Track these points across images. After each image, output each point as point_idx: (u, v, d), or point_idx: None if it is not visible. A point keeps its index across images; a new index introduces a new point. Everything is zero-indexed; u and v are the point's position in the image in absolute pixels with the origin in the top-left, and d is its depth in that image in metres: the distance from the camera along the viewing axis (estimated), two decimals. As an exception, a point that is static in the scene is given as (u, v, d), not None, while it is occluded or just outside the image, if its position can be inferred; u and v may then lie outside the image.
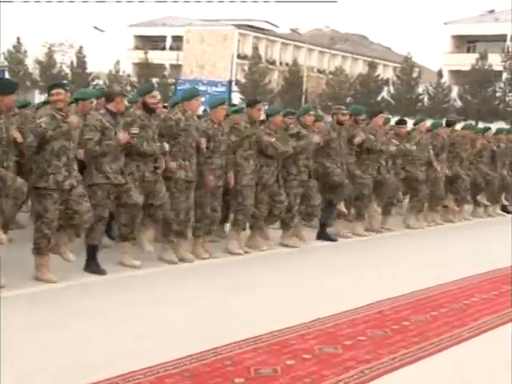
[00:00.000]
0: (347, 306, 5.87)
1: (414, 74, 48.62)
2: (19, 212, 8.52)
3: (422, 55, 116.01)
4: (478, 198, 12.79)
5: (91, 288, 6.15)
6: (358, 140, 9.44)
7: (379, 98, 48.83)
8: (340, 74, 51.87)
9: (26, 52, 54.67)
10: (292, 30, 64.14)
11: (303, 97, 49.39)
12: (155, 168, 7.01)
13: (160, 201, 7.02)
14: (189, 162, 7.26)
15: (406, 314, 5.80)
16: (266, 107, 38.69)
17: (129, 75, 55.37)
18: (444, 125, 11.93)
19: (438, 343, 5.06)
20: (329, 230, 9.47)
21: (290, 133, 8.56)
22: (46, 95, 7.26)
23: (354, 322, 5.50)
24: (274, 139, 8.13)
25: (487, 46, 48.99)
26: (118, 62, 55.12)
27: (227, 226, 8.77)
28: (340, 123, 9.25)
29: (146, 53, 54.55)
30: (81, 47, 55.75)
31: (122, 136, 6.60)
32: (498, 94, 45.39)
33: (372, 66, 52.05)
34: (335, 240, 9.31)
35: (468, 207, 12.85)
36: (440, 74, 49.04)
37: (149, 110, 7.01)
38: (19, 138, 6.06)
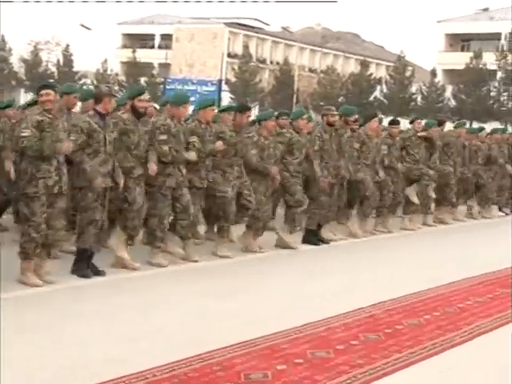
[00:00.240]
0: (339, 310, 5.89)
1: (407, 73, 48.79)
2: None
3: (415, 54, 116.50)
4: (469, 202, 12.88)
5: (81, 291, 6.15)
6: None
7: (372, 98, 48.98)
8: (332, 73, 51.99)
9: (10, 50, 54.54)
10: (283, 28, 64.20)
11: (294, 96, 49.47)
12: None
13: (132, 205, 6.90)
14: (178, 169, 7.26)
15: (399, 318, 5.82)
16: (257, 107, 38.77)
17: (117, 74, 55.32)
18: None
19: (431, 347, 5.08)
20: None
21: (279, 140, 8.56)
22: (33, 95, 7.26)
23: (346, 325, 5.51)
24: (255, 151, 8.14)
25: (481, 45, 49.19)
26: (105, 61, 55.09)
27: (202, 228, 8.76)
28: (330, 124, 9.26)
29: (134, 51, 54.53)
30: (67, 45, 55.72)
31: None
32: (492, 94, 45.63)
33: (364, 65, 52.19)
34: (320, 244, 9.28)
35: (462, 208, 12.92)
36: (433, 73, 49.24)
37: (137, 113, 6.97)
38: None
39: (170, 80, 50.56)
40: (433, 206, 12.03)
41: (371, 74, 52.03)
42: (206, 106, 7.66)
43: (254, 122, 8.86)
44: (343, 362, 4.66)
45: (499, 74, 45.89)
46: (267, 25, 70.27)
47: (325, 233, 9.53)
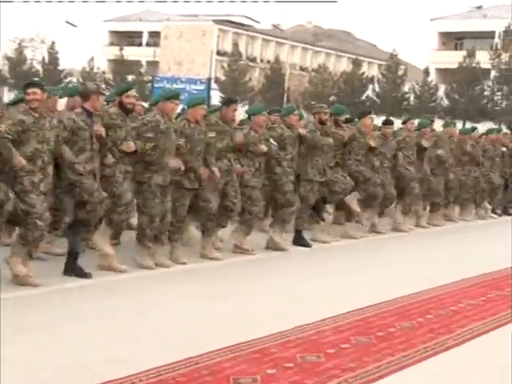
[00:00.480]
0: (330, 313, 5.89)
1: (400, 72, 48.93)
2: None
3: (408, 52, 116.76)
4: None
5: (72, 293, 6.14)
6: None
7: (364, 97, 49.09)
8: (323, 72, 52.07)
9: (-6, 48, 54.34)
10: (274, 25, 64.25)
11: (285, 95, 49.50)
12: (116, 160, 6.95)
13: (120, 199, 6.89)
14: (166, 166, 7.24)
15: (391, 321, 5.83)
16: (247, 107, 38.71)
17: (103, 72, 55.22)
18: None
19: (423, 351, 5.09)
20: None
21: (271, 134, 8.59)
22: (17, 93, 7.22)
23: (337, 329, 5.51)
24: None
25: (475, 43, 49.38)
26: (92, 59, 54.94)
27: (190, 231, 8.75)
28: (322, 123, 9.28)
29: (121, 49, 54.42)
30: (53, 43, 55.52)
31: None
32: (486, 93, 45.82)
33: (356, 64, 52.30)
34: (310, 246, 9.29)
35: (456, 209, 12.97)
36: (426, 72, 49.39)
37: (125, 110, 6.98)
38: None
39: (158, 78, 50.48)
40: (427, 208, 12.07)
41: (363, 73, 52.15)
42: (195, 105, 7.65)
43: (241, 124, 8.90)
44: (334, 366, 4.66)
45: (493, 73, 46.07)
46: (257, 22, 70.34)
47: (319, 234, 9.55)
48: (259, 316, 5.81)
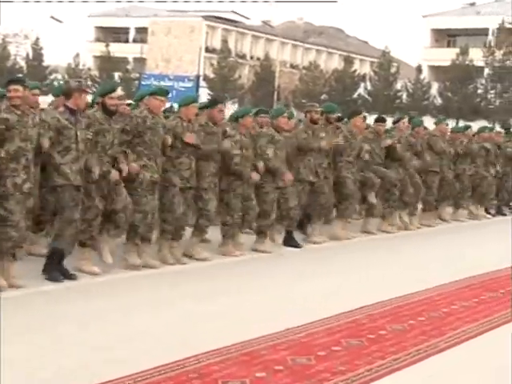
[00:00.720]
0: (321, 315, 5.90)
1: (392, 70, 49.07)
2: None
3: (400, 50, 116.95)
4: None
5: (51, 296, 6.13)
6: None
7: (355, 95, 49.19)
8: (314, 70, 52.13)
9: (-24, 43, 54.09)
10: (263, 22, 64.30)
11: (275, 93, 49.54)
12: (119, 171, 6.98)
13: (121, 204, 6.98)
14: (154, 162, 7.25)
15: (382, 323, 5.85)
16: (236, 105, 38.75)
17: (89, 69, 55.06)
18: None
19: (415, 353, 5.11)
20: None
21: (261, 143, 8.58)
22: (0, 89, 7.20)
23: (328, 331, 5.53)
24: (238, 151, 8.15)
25: (468, 41, 49.57)
26: (77, 55, 54.81)
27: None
28: (314, 122, 9.29)
29: (107, 45, 54.29)
30: (37, 38, 55.34)
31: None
32: (479, 91, 46.00)
33: (348, 61, 52.41)
34: (300, 246, 9.30)
35: (448, 210, 13.01)
36: (419, 70, 49.55)
37: (108, 112, 6.95)
38: None
39: (145, 75, 50.40)
40: (419, 208, 12.12)
41: (355, 71, 52.26)
42: (188, 103, 7.67)
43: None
44: (325, 368, 4.68)
45: (486, 71, 46.25)
46: (247, 18, 70.36)
47: (311, 234, 9.57)
48: (249, 318, 5.82)
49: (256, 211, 8.43)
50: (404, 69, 55.35)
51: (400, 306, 6.47)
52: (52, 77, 52.24)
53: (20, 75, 42.10)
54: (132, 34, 67.01)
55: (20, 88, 6.12)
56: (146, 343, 5.01)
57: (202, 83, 49.34)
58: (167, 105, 8.28)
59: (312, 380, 4.47)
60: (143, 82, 46.20)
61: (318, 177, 9.28)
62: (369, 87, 49.42)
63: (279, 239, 9.13)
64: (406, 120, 11.62)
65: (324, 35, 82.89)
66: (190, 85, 45.90)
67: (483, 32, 50.87)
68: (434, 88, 47.64)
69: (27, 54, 55.42)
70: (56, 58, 55.16)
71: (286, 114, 9.05)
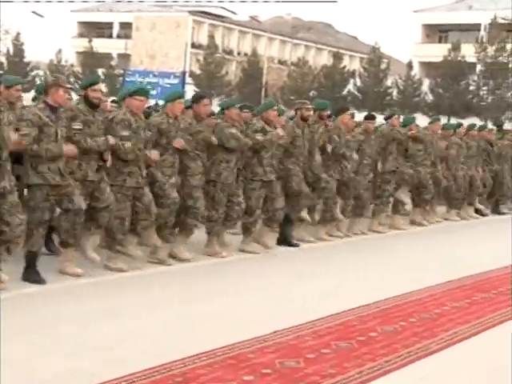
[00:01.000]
0: (310, 317, 5.91)
1: (383, 66, 49.14)
2: None
3: (390, 45, 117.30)
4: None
5: (33, 299, 6.11)
6: (329, 148, 9.53)
7: (345, 92, 49.24)
8: (303, 66, 52.15)
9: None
10: (251, 17, 64.24)
11: (263, 90, 49.54)
12: (99, 167, 6.96)
13: (104, 203, 6.96)
14: (138, 168, 7.24)
15: (373, 325, 5.87)
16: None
17: (72, 65, 54.90)
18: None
19: (406, 355, 5.13)
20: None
21: (253, 128, 8.60)
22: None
23: (317, 333, 5.54)
24: (234, 130, 8.17)
25: (460, 36, 49.69)
26: (59, 51, 54.62)
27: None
28: (304, 119, 9.30)
29: (90, 41, 54.15)
30: (18, 34, 55.07)
31: (70, 149, 6.54)
32: (471, 88, 46.12)
33: (337, 57, 52.45)
34: (297, 245, 9.36)
35: (439, 209, 13.06)
36: (410, 66, 49.65)
37: (91, 104, 6.93)
38: None
39: (129, 72, 50.26)
40: (410, 207, 12.17)
41: (344, 67, 52.30)
42: (174, 99, 7.65)
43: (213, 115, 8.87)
44: (314, 371, 4.68)
45: (478, 67, 46.39)
46: (234, 13, 70.29)
47: (304, 234, 9.62)
48: (235, 321, 5.82)
49: (242, 207, 8.44)
50: (394, 65, 55.47)
51: (391, 307, 6.49)
52: (34, 73, 52.04)
53: (0, 72, 41.94)
54: (116, 30, 66.80)
55: None
56: (130, 348, 5.00)
57: (188, 80, 49.25)
58: (152, 102, 8.26)
59: (301, 383, 4.48)
60: (127, 79, 46.09)
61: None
62: (358, 84, 49.47)
63: (268, 240, 9.12)
64: (397, 116, 11.67)
65: (313, 31, 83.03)
66: (175, 81, 45.81)
67: (475, 27, 51.03)
68: (425, 85, 47.76)
69: (7, 50, 55.14)
70: (38, 53, 54.98)
71: (275, 107, 9.06)
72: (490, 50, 45.66)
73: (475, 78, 46.15)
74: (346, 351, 5.15)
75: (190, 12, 62.25)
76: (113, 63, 54.51)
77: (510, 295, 7.11)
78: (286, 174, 9.05)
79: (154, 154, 7.33)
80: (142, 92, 7.39)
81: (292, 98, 42.78)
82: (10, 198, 6.07)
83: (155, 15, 62.35)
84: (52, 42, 61.46)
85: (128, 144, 7.09)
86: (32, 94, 8.50)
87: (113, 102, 8.83)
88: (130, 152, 7.10)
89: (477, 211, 13.89)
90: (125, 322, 5.62)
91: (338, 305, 6.35)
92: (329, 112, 10.09)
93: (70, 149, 6.56)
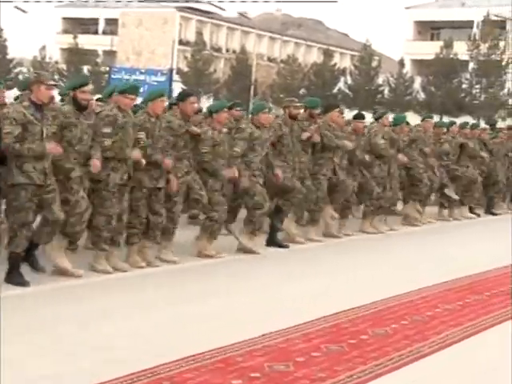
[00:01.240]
0: (300, 319, 5.91)
1: (374, 64, 49.23)
2: None
3: (382, 43, 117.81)
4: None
5: (16, 302, 6.08)
6: (305, 135, 9.45)
7: (335, 90, 49.29)
8: (292, 63, 52.20)
9: None
10: (240, 13, 64.35)
11: (252, 87, 49.52)
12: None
13: (74, 209, 6.82)
14: (124, 163, 7.22)
15: (364, 327, 5.87)
16: (211, 100, 38.66)
17: (56, 62, 54.73)
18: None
19: (397, 359, 5.14)
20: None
21: (242, 136, 8.59)
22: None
23: (307, 336, 5.53)
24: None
25: (452, 33, 49.84)
26: (43, 47, 54.44)
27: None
28: (293, 117, 9.30)
29: (75, 37, 54.01)
30: (0, 30, 54.83)
31: (53, 147, 6.50)
32: (463, 86, 46.26)
33: (328, 55, 52.50)
34: (286, 246, 9.36)
35: (431, 209, 13.09)
36: (401, 64, 49.76)
37: (79, 106, 6.88)
38: None
39: (115, 69, 50.15)
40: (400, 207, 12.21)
41: (335, 64, 52.36)
42: (155, 98, 7.62)
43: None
44: (303, 375, 4.68)
45: (471, 65, 46.54)
46: (223, 10, 70.30)
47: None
48: (224, 323, 5.81)
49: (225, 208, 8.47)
50: (386, 63, 55.61)
51: (382, 310, 6.49)
52: (17, 70, 51.84)
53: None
54: (101, 26, 66.67)
55: None
56: (115, 352, 4.98)
57: (176, 77, 49.20)
58: (139, 100, 8.23)
59: (290, 387, 4.48)
60: (113, 76, 46.00)
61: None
62: (349, 82, 49.55)
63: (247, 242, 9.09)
64: (388, 115, 11.68)
65: (303, 27, 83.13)
66: (162, 79, 45.76)
67: (468, 25, 51.20)
68: (417, 83, 47.88)
69: (-10, 47, 54.93)
70: (21, 50, 54.82)
71: (266, 110, 9.07)
72: (483, 47, 45.80)
73: (468, 76, 46.29)
74: (337, 354, 5.15)
75: (177, 8, 62.22)
76: (98, 60, 54.41)
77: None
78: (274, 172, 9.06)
79: (136, 154, 7.28)
80: (133, 90, 7.36)
81: (281, 95, 42.76)
82: None
83: (142, 11, 62.27)
84: (36, 39, 61.43)
85: (108, 141, 7.06)
86: (15, 91, 8.47)
87: (98, 100, 8.78)
88: (109, 150, 7.07)
89: (471, 211, 13.94)
90: (106, 325, 5.60)
91: (329, 307, 6.35)
92: (319, 110, 10.09)
93: (53, 147, 6.51)
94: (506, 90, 44.79)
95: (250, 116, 9.55)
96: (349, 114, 13.39)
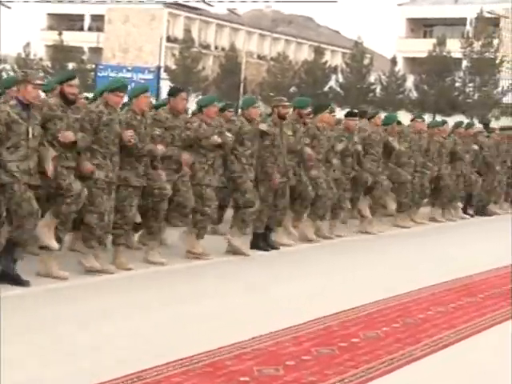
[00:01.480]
0: (290, 322, 5.92)
1: (366, 61, 49.26)
2: None
3: (373, 40, 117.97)
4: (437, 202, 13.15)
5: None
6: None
7: (326, 88, 49.29)
8: (283, 61, 52.17)
9: None
10: (229, 10, 64.33)
11: (241, 85, 49.51)
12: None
13: (68, 192, 6.82)
14: (110, 161, 7.21)
15: (355, 330, 5.88)
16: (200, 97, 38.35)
17: (41, 59, 54.51)
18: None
19: (389, 362, 5.15)
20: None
21: (228, 128, 8.64)
22: None
23: (297, 339, 5.54)
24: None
25: (446, 31, 49.98)
26: (28, 44, 54.18)
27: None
28: (282, 117, 9.30)
29: (60, 34, 53.78)
30: (-17, 26, 54.67)
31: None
32: (457, 84, 46.35)
33: (318, 52, 52.52)
34: (276, 248, 9.35)
35: (424, 210, 13.13)
36: (394, 62, 49.82)
37: (66, 100, 6.91)
38: None
39: (101, 66, 49.97)
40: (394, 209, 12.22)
41: (326, 62, 52.37)
42: (138, 94, 7.63)
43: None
44: (293, 379, 4.69)
45: (464, 63, 46.65)
46: (211, 6, 70.21)
47: (279, 237, 9.58)
48: (212, 326, 5.81)
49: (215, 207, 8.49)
50: (378, 60, 55.62)
51: (374, 312, 6.51)
52: (0, 67, 51.65)
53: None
54: (87, 22, 66.51)
55: None
56: (101, 355, 4.97)
57: (164, 75, 49.08)
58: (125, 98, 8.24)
59: (280, 391, 4.49)
60: (99, 74, 45.84)
61: (286, 176, 9.30)
62: (340, 80, 49.56)
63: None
64: (380, 115, 11.71)
65: (293, 24, 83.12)
66: (150, 76, 45.64)
67: (461, 22, 51.35)
68: (410, 81, 47.94)
69: (-27, 43, 54.75)
70: (5, 47, 54.58)
71: (256, 105, 9.12)
72: (477, 45, 45.89)
73: (461, 74, 46.38)
74: (328, 358, 5.16)
75: (165, 4, 62.10)
76: (84, 57, 54.20)
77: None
78: (265, 173, 9.05)
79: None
80: (123, 88, 7.42)
81: (271, 94, 42.74)
82: None
83: (128, 7, 62.11)
84: (20, 35, 61.28)
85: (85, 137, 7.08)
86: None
87: (85, 98, 8.80)
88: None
89: (465, 211, 14.00)
90: (93, 328, 5.59)
91: (319, 309, 6.37)
92: (309, 109, 10.10)
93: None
94: (499, 89, 44.86)
95: (239, 110, 9.59)
96: (340, 113, 13.40)
